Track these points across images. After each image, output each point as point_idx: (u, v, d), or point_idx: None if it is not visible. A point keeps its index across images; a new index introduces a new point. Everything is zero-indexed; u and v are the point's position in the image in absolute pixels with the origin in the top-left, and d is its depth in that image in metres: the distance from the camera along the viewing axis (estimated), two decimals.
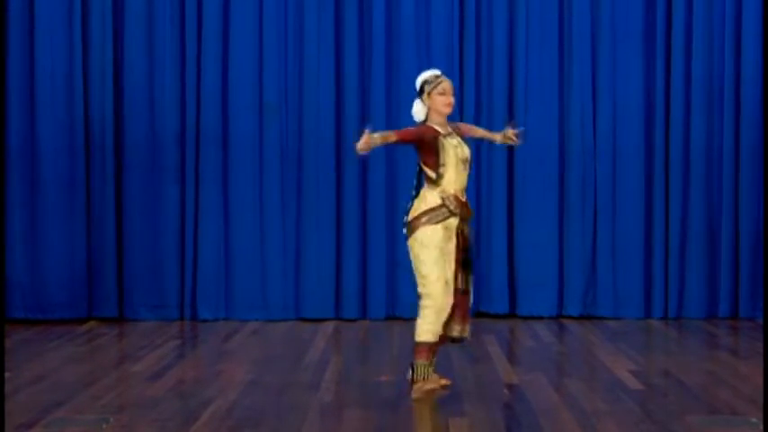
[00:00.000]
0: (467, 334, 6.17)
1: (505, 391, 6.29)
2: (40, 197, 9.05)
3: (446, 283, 6.00)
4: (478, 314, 9.26)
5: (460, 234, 6.06)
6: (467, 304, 6.15)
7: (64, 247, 9.05)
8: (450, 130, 6.16)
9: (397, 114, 8.88)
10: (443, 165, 6.01)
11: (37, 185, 9.05)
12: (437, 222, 5.99)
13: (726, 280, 9.18)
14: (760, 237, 9.16)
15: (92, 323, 8.99)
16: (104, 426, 5.42)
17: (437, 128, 6.09)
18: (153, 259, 9.14)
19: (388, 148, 9.04)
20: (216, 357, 7.61)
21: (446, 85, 6.12)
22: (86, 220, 9.07)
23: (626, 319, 9.15)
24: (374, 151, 9.02)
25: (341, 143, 9.14)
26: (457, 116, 9.17)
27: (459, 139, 6.17)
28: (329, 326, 8.93)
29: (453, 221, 6.03)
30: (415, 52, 9.16)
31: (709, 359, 7.49)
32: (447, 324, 6.08)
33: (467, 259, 6.09)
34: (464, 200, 6.11)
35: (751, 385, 6.44)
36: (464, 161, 6.09)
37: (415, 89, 6.19)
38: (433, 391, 6.05)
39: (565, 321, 9.12)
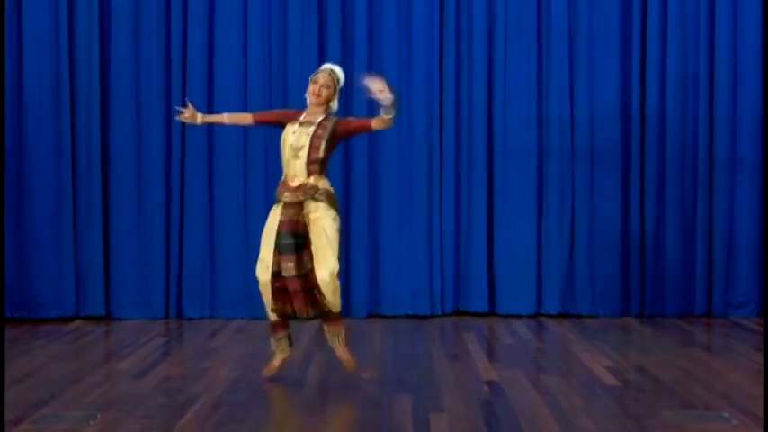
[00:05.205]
0: (313, 314, 6.50)
1: (485, 387, 6.35)
2: (27, 196, 9.06)
3: (264, 264, 6.36)
4: (458, 312, 9.39)
5: (297, 220, 6.35)
6: (303, 287, 6.37)
7: (50, 246, 9.05)
8: (318, 120, 6.46)
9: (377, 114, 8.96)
10: (281, 150, 6.50)
11: (23, 184, 9.06)
12: (275, 204, 6.45)
13: (700, 279, 9.26)
14: (733, 236, 9.27)
15: (78, 321, 9.00)
16: (91, 422, 5.44)
17: (301, 115, 6.49)
18: (139, 258, 9.16)
19: (369, 143, 9.19)
20: (201, 355, 7.60)
21: (319, 75, 6.52)
22: (73, 219, 9.07)
23: (603, 316, 9.22)
24: (356, 149, 9.21)
25: None
26: (437, 117, 9.30)
27: (312, 128, 6.42)
28: (312, 324, 8.93)
29: (278, 207, 6.40)
30: (396, 56, 9.22)
31: (683, 356, 7.51)
32: (292, 308, 6.43)
33: (290, 244, 6.32)
34: (295, 185, 6.40)
35: (724, 381, 6.54)
36: (295, 149, 6.40)
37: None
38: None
39: (543, 319, 9.18)
